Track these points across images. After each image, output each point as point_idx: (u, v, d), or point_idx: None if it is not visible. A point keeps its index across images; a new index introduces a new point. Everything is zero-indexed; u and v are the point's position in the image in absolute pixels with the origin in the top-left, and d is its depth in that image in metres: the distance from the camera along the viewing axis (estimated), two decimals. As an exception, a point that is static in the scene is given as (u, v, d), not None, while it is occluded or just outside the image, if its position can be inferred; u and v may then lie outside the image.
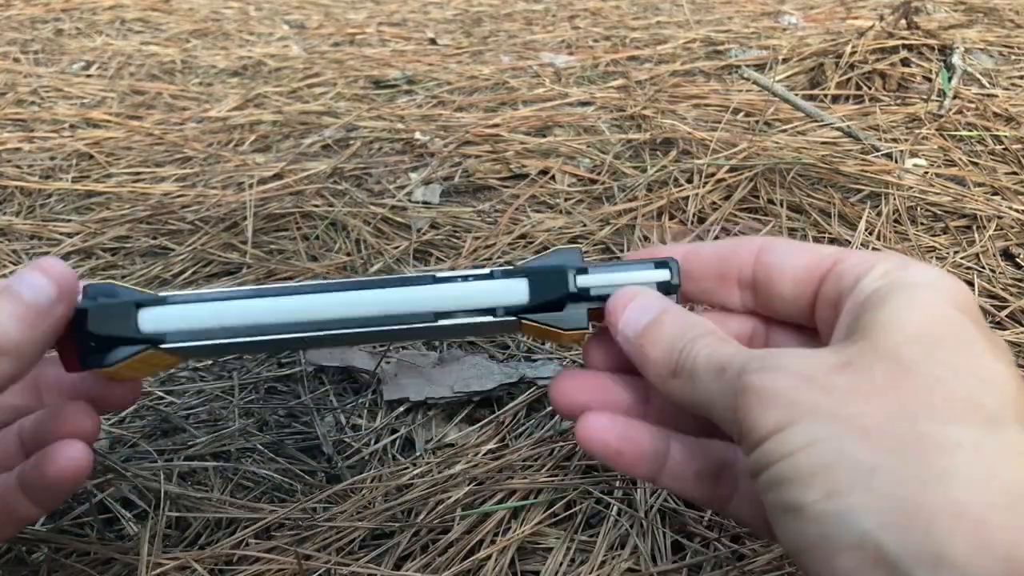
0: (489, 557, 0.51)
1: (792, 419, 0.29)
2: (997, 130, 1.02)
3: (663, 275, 0.39)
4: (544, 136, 1.09)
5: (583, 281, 0.39)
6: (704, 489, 0.38)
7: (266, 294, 0.39)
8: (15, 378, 0.35)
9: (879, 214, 0.85)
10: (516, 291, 0.39)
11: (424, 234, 0.87)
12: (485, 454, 0.58)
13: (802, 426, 0.28)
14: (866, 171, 0.91)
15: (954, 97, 1.11)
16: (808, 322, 0.37)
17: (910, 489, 0.26)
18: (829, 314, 0.35)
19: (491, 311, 0.39)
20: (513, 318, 0.39)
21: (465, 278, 0.40)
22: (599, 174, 0.97)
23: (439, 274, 0.40)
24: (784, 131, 1.04)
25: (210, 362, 0.69)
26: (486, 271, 0.40)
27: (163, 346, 0.38)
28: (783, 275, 0.37)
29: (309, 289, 0.40)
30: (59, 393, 0.42)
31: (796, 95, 1.12)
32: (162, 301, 0.39)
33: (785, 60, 1.30)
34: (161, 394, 0.65)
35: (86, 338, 0.38)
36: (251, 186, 0.96)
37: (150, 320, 0.38)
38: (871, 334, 0.30)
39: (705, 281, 0.39)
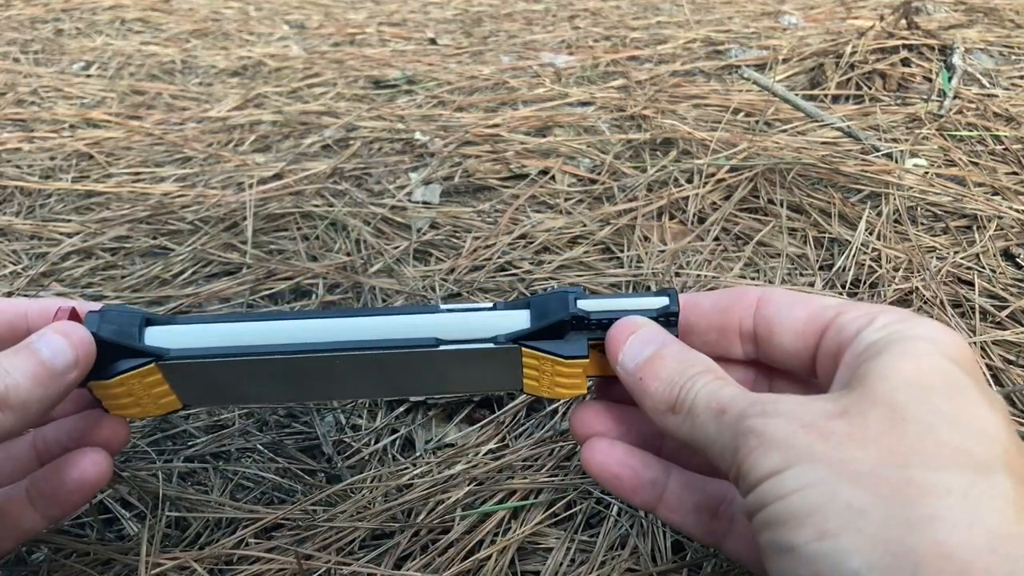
0: (489, 557, 0.51)
1: (789, 462, 0.30)
2: (997, 130, 1.02)
3: (662, 302, 0.39)
4: (544, 136, 1.09)
5: (583, 305, 0.39)
6: (701, 523, 0.39)
7: (270, 318, 0.40)
8: (14, 433, 0.35)
9: (879, 214, 0.84)
10: (518, 318, 0.40)
11: (424, 234, 0.87)
12: (485, 454, 0.58)
13: (798, 469, 0.29)
14: (866, 171, 0.91)
15: (954, 97, 1.11)
16: (809, 373, 0.38)
17: (898, 531, 0.27)
18: (830, 365, 0.35)
19: (492, 339, 0.39)
20: (514, 345, 0.39)
21: (469, 309, 0.40)
22: (599, 174, 0.97)
23: (443, 305, 0.40)
24: (784, 131, 1.04)
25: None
26: (489, 304, 0.41)
27: (164, 361, 0.38)
28: (783, 328, 0.37)
29: (314, 315, 0.41)
30: (70, 404, 0.42)
31: (796, 95, 1.12)
32: (171, 321, 0.39)
33: (785, 60, 1.30)
34: (161, 394, 0.65)
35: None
36: (251, 186, 0.96)
37: (156, 336, 0.39)
38: (867, 382, 0.31)
39: (708, 335, 0.40)
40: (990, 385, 0.64)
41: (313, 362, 0.39)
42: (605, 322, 0.39)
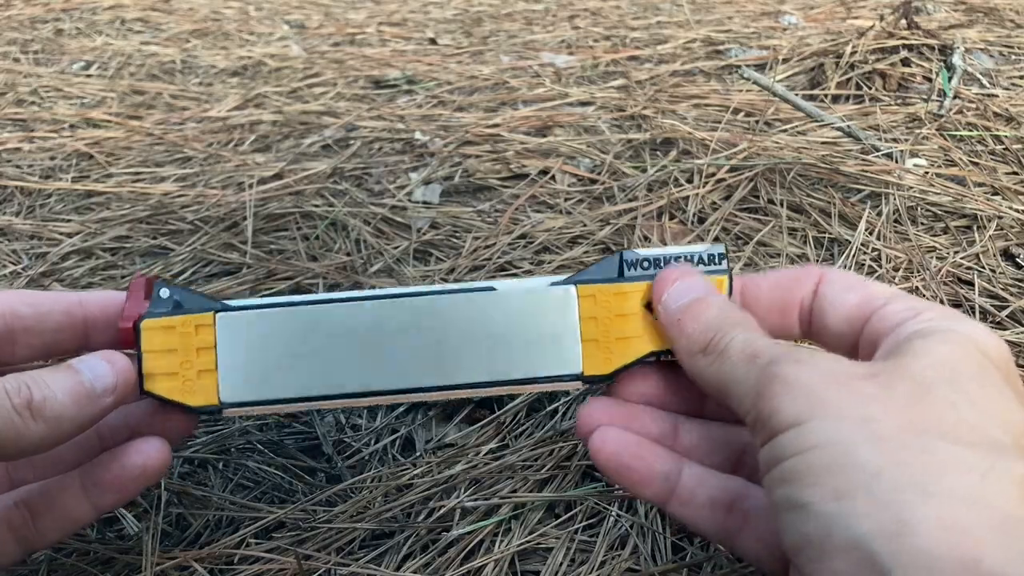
0: (489, 557, 0.51)
1: (812, 413, 0.30)
2: (997, 130, 1.02)
3: (707, 246, 0.41)
4: (544, 136, 1.09)
5: (636, 253, 0.41)
6: (715, 519, 0.39)
7: (336, 299, 0.41)
8: (44, 447, 0.36)
9: (879, 214, 0.84)
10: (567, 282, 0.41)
11: (424, 234, 0.87)
12: (485, 454, 0.58)
13: (819, 423, 0.29)
14: (866, 171, 0.91)
15: (954, 97, 1.11)
16: (851, 357, 0.37)
17: (908, 498, 0.27)
18: (869, 352, 0.36)
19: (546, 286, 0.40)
20: (571, 286, 0.40)
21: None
22: (599, 174, 0.97)
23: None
24: (784, 131, 1.04)
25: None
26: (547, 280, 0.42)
27: (224, 312, 0.39)
28: (835, 311, 0.38)
29: (372, 296, 0.41)
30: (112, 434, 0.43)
31: (796, 95, 1.12)
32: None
33: (785, 60, 1.30)
34: (161, 394, 0.65)
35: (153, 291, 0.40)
36: (251, 186, 0.96)
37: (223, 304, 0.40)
38: (902, 357, 0.32)
39: (769, 315, 0.40)
40: None
41: (375, 313, 0.40)
42: (656, 260, 0.41)
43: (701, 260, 0.41)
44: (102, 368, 0.37)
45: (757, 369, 0.33)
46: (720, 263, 0.41)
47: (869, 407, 0.29)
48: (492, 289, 0.40)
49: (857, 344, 0.37)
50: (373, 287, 0.77)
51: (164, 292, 0.39)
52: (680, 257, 0.41)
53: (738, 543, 0.39)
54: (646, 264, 0.40)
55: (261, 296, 0.37)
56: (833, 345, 0.38)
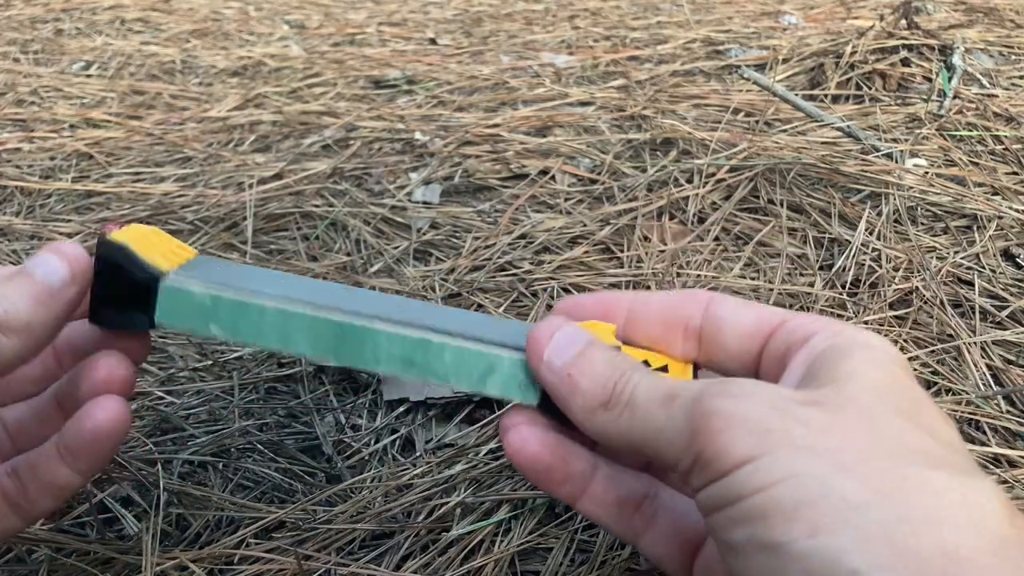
0: (489, 557, 0.51)
1: (767, 448, 0.28)
2: (997, 130, 1.02)
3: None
4: (544, 136, 1.09)
5: None
6: (622, 518, 0.38)
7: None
8: (24, 357, 0.35)
9: (879, 214, 0.84)
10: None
11: (424, 234, 0.87)
12: (485, 454, 0.58)
13: (779, 456, 0.27)
14: (866, 171, 0.91)
15: (954, 97, 1.11)
16: (749, 375, 0.37)
17: (900, 529, 0.26)
18: (775, 367, 0.35)
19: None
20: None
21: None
22: (599, 174, 0.97)
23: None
24: (784, 131, 1.04)
25: (206, 354, 0.69)
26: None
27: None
28: (732, 328, 0.37)
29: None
30: (75, 356, 0.42)
31: (796, 95, 1.12)
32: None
33: (785, 60, 1.30)
34: (161, 394, 0.65)
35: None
36: (251, 186, 0.96)
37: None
38: (836, 382, 0.31)
39: (652, 327, 0.39)
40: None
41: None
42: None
43: None
44: (53, 262, 0.36)
45: (682, 410, 0.31)
46: None
47: (826, 436, 0.28)
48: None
49: (758, 362, 0.36)
50: (372, 290, 0.77)
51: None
52: None
53: (642, 543, 0.38)
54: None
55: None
56: (726, 364, 0.37)
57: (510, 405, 0.39)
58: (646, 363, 0.39)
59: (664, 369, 0.39)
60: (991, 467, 0.57)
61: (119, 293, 0.39)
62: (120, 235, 0.38)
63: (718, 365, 0.38)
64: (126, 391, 0.39)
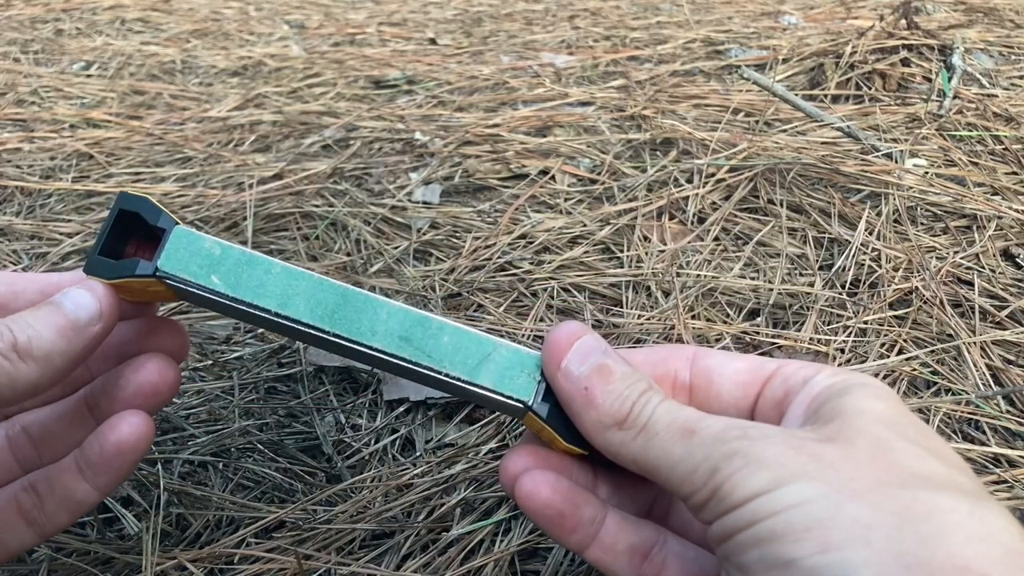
0: (489, 557, 0.51)
1: (784, 480, 0.29)
2: (997, 130, 1.02)
3: None
4: (544, 136, 1.09)
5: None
6: (632, 566, 0.38)
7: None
8: (39, 386, 0.35)
9: (879, 214, 0.85)
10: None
11: (424, 234, 0.87)
12: (485, 454, 0.58)
13: (794, 486, 0.29)
14: (866, 171, 0.91)
15: (954, 97, 1.11)
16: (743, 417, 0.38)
17: (909, 544, 0.26)
18: (773, 412, 0.36)
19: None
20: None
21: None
22: (599, 174, 0.97)
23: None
24: (784, 131, 1.04)
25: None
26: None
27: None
28: (723, 378, 0.38)
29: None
30: (105, 361, 0.42)
31: (796, 95, 1.12)
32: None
33: (785, 60, 1.30)
34: (161, 394, 0.65)
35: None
36: (251, 186, 0.96)
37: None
38: (842, 416, 0.32)
39: None
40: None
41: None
42: None
43: None
44: (83, 298, 0.36)
45: (701, 447, 0.31)
46: None
47: (838, 467, 0.29)
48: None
49: (753, 408, 0.37)
50: (372, 290, 0.77)
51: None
52: None
53: None
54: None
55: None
56: (721, 411, 0.38)
57: (510, 449, 0.39)
58: None
59: None
60: (991, 467, 0.57)
61: (129, 241, 0.39)
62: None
63: (711, 412, 0.38)
64: (174, 391, 0.40)
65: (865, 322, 0.70)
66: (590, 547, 0.38)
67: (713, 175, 0.91)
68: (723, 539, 0.30)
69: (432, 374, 0.38)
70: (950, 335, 0.69)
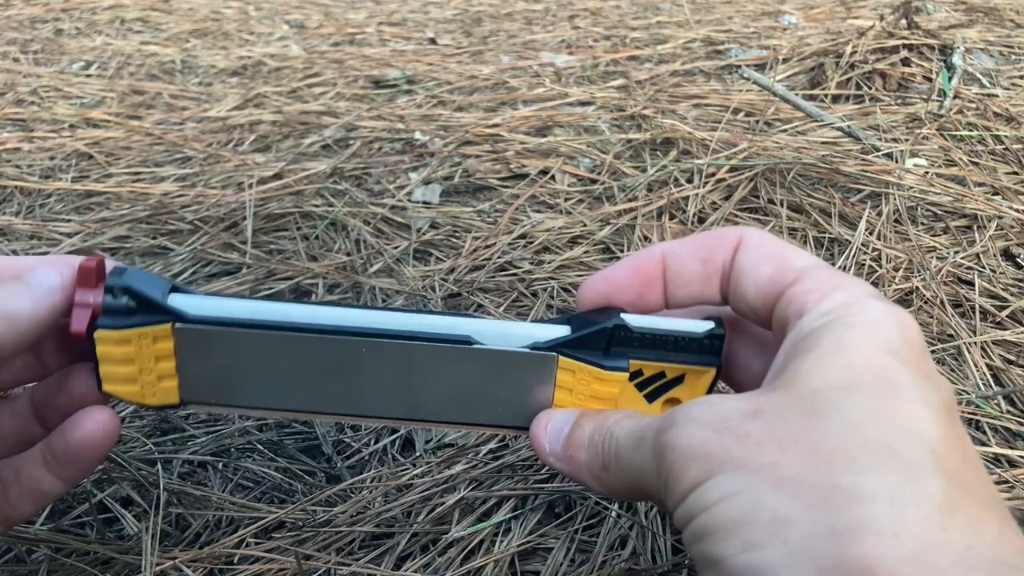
0: (489, 557, 0.51)
1: (710, 472, 0.29)
2: (997, 130, 1.02)
3: (708, 325, 0.38)
4: (544, 136, 1.09)
5: (627, 318, 0.38)
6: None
7: (301, 303, 0.39)
8: (3, 347, 0.36)
9: (879, 214, 0.84)
10: (557, 331, 0.39)
11: (424, 234, 0.87)
12: (485, 454, 0.58)
13: (720, 478, 0.29)
14: (866, 171, 0.91)
15: (954, 97, 1.11)
16: (768, 328, 0.37)
17: (824, 543, 0.26)
18: (779, 333, 0.34)
19: (530, 345, 0.38)
20: (551, 353, 0.38)
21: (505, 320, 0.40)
22: (599, 174, 0.97)
23: (482, 317, 0.39)
24: (784, 131, 1.04)
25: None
26: (527, 320, 0.40)
27: (183, 323, 0.37)
28: (748, 280, 0.36)
29: (346, 305, 0.39)
30: (60, 359, 0.42)
31: (796, 95, 1.12)
32: (195, 293, 0.38)
33: (785, 60, 1.30)
34: (161, 394, 0.65)
35: (110, 294, 0.37)
36: (251, 186, 0.95)
37: (180, 301, 0.37)
38: (788, 381, 0.30)
39: (691, 285, 0.38)
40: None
41: (341, 347, 0.37)
42: (648, 338, 0.38)
43: (699, 346, 0.38)
44: (44, 270, 0.38)
45: (649, 450, 0.32)
46: (716, 348, 0.38)
47: (763, 451, 0.28)
48: (469, 342, 0.38)
49: (771, 320, 0.35)
50: (372, 290, 0.77)
51: (117, 293, 0.37)
52: (678, 340, 0.38)
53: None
54: (636, 342, 0.38)
55: (241, 294, 0.36)
56: (750, 314, 0.37)
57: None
58: (662, 375, 0.39)
59: (680, 380, 0.39)
60: (991, 467, 0.57)
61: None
62: (112, 388, 0.38)
63: (742, 314, 0.37)
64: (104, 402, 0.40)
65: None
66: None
67: (713, 175, 0.91)
68: (680, 530, 0.31)
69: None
70: (950, 335, 0.69)
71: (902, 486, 0.26)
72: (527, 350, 0.38)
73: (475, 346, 0.38)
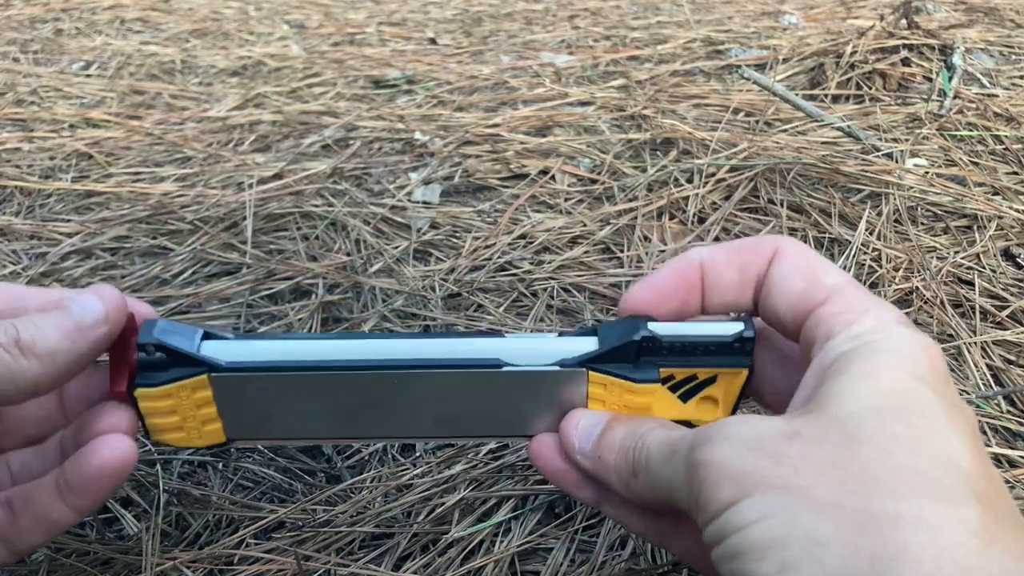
0: (489, 557, 0.51)
1: (745, 492, 0.29)
2: (997, 130, 1.02)
3: (738, 327, 0.38)
4: (544, 136, 1.09)
5: (654, 327, 0.38)
6: (646, 522, 0.39)
7: (327, 337, 0.40)
8: (41, 385, 0.36)
9: (879, 214, 0.84)
10: (585, 344, 0.39)
11: (424, 234, 0.87)
12: (485, 454, 0.58)
13: (755, 499, 0.29)
14: (866, 171, 0.91)
15: (954, 97, 1.11)
16: (796, 342, 0.37)
17: (860, 564, 0.26)
18: (805, 351, 0.35)
19: (558, 362, 0.38)
20: (581, 369, 0.38)
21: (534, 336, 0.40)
22: (599, 174, 0.97)
23: (507, 332, 0.40)
24: (784, 131, 1.04)
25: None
26: (555, 332, 0.40)
27: (217, 372, 0.38)
28: (779, 294, 0.36)
29: (372, 336, 0.40)
30: (82, 406, 0.42)
31: (796, 95, 1.12)
32: (226, 337, 0.39)
33: (785, 60, 1.30)
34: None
35: (144, 350, 0.38)
36: (251, 186, 0.95)
37: (212, 349, 0.38)
38: (823, 404, 0.31)
39: (727, 294, 0.39)
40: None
41: (373, 381, 0.38)
42: (678, 346, 0.38)
43: (728, 349, 0.38)
44: (89, 300, 0.37)
45: (680, 462, 0.32)
46: (746, 350, 0.38)
47: (800, 474, 0.28)
48: (498, 365, 0.38)
49: (799, 335, 0.36)
50: (372, 290, 0.77)
51: (151, 350, 0.38)
52: (707, 345, 0.38)
53: (673, 544, 0.39)
54: (665, 351, 0.38)
55: (273, 333, 0.37)
56: (779, 330, 0.37)
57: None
58: (694, 377, 0.39)
59: (712, 380, 0.39)
60: (991, 467, 0.57)
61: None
62: (161, 437, 0.40)
63: (771, 324, 0.38)
64: (132, 433, 0.39)
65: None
66: (603, 504, 0.40)
67: (713, 175, 0.91)
68: (709, 548, 0.31)
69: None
70: (951, 335, 0.69)
71: (939, 512, 0.27)
72: (556, 368, 0.38)
73: (504, 369, 0.38)
